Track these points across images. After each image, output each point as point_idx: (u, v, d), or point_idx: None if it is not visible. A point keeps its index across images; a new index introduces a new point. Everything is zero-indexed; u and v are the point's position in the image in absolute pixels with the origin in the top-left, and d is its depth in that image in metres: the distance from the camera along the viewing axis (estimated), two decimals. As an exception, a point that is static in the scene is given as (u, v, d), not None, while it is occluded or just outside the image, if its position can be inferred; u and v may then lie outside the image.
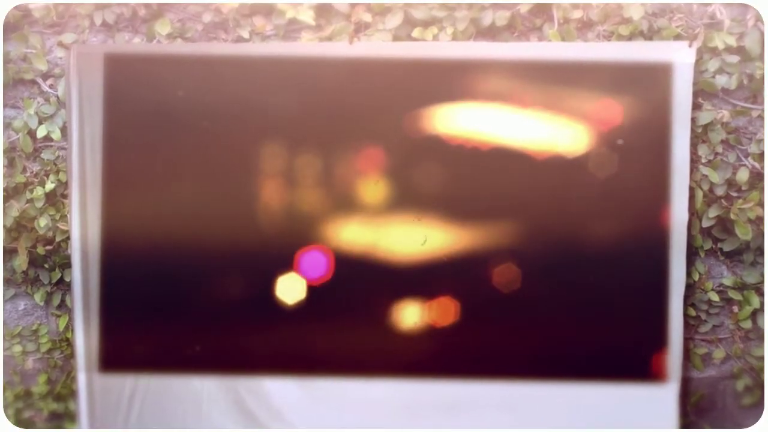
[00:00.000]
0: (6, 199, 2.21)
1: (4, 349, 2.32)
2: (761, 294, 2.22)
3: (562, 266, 2.13)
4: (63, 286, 2.29)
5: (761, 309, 2.22)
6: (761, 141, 2.14)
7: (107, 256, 2.16)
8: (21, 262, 2.23)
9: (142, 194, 2.15)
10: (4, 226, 2.21)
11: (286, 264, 2.14)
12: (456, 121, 2.10)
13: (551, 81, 2.09)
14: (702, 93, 2.13)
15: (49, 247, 2.25)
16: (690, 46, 2.07)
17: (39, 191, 2.21)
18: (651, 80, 2.07)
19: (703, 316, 2.25)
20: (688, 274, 2.15)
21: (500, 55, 2.10)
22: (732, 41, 2.09)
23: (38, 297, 2.29)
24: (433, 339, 2.15)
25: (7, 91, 2.21)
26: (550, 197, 2.12)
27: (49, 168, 2.22)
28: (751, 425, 2.17)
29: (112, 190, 2.15)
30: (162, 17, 2.16)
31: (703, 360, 2.28)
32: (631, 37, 2.11)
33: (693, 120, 2.10)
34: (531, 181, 2.11)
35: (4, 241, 2.22)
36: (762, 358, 2.24)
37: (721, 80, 2.12)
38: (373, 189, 2.12)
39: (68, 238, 2.20)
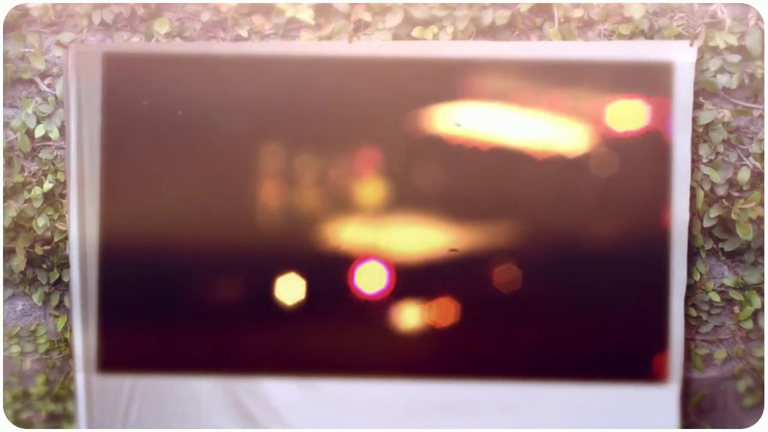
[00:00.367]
0: (4, 199, 2.20)
1: (2, 350, 2.32)
2: (762, 294, 2.21)
3: (563, 266, 2.13)
4: (61, 286, 2.29)
5: (762, 309, 2.22)
6: (762, 141, 2.14)
7: (106, 257, 2.15)
8: (19, 262, 2.22)
9: (141, 194, 2.14)
10: (2, 226, 2.20)
11: (285, 264, 2.13)
12: (456, 120, 2.09)
13: (552, 80, 2.08)
14: (703, 92, 2.12)
15: (47, 247, 2.24)
16: (691, 45, 2.07)
17: (37, 191, 2.20)
18: (652, 80, 2.07)
19: (704, 317, 2.24)
20: (689, 274, 2.14)
21: (500, 54, 2.09)
22: (733, 40, 2.08)
23: (36, 297, 2.28)
24: (434, 340, 2.15)
25: (5, 91, 2.20)
26: (551, 197, 2.11)
27: (47, 168, 2.22)
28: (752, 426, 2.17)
29: (110, 189, 2.14)
30: (160, 16, 2.15)
31: (704, 360, 2.27)
32: (632, 37, 2.10)
33: (694, 119, 2.10)
34: (531, 181, 2.11)
35: (2, 241, 2.22)
36: (764, 359, 2.23)
37: (722, 80, 2.12)
38: (372, 189, 2.11)
39: (66, 238, 2.19)
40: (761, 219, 2.14)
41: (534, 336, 2.15)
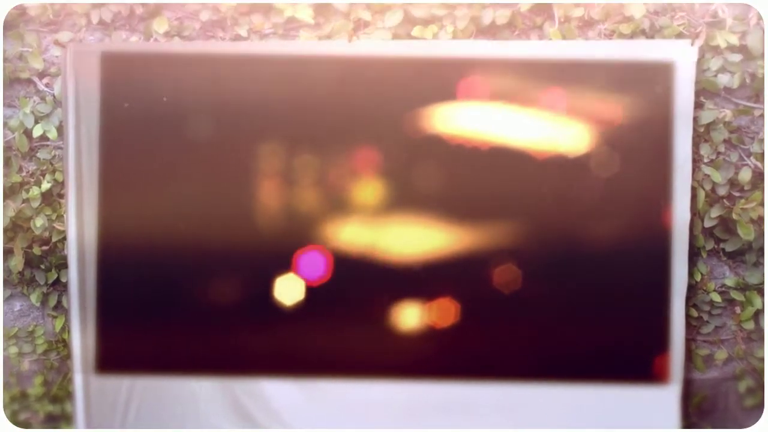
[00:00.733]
0: (2, 199, 2.19)
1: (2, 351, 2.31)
2: (764, 295, 2.21)
3: (563, 267, 2.12)
4: (59, 286, 2.28)
5: (764, 310, 2.21)
6: (764, 140, 2.13)
7: (104, 257, 2.15)
8: (17, 262, 2.22)
9: (140, 194, 2.14)
10: (1, 227, 2.19)
11: (284, 265, 2.13)
12: (456, 120, 2.09)
13: (552, 80, 2.08)
14: (704, 92, 2.12)
15: (45, 248, 2.23)
16: (692, 44, 2.06)
17: (35, 191, 2.19)
18: (652, 79, 2.06)
19: (705, 317, 2.24)
20: (690, 274, 2.14)
21: (501, 53, 2.09)
22: (734, 40, 2.07)
23: (34, 298, 2.27)
24: (433, 340, 2.14)
25: (3, 90, 2.19)
26: (551, 197, 2.11)
27: (45, 167, 2.21)
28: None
29: (108, 189, 2.14)
30: (159, 15, 2.15)
31: (705, 361, 2.27)
32: (632, 36, 2.10)
33: (695, 119, 2.09)
34: (532, 181, 2.10)
35: (1, 241, 2.21)
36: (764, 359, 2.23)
37: (724, 79, 2.11)
38: (371, 189, 2.11)
39: (65, 238, 2.18)
40: (762, 219, 2.13)
41: (534, 336, 2.15)
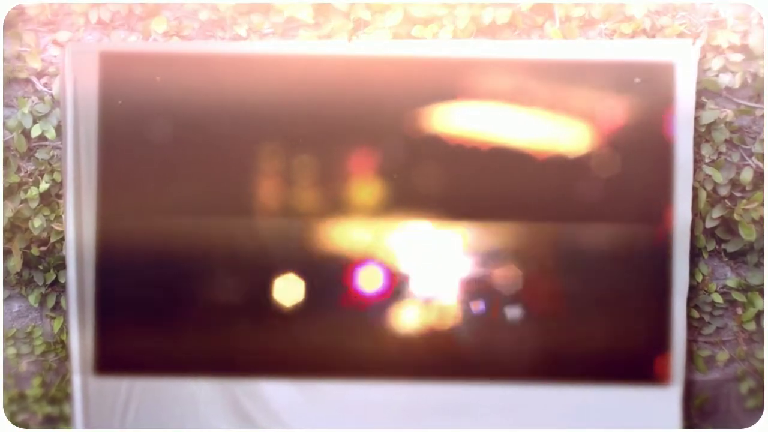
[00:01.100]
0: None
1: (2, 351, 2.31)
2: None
3: (564, 267, 2.12)
4: (58, 287, 2.27)
5: (764, 311, 2.21)
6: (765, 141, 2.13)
7: (103, 257, 2.14)
8: (15, 263, 2.21)
9: (138, 194, 2.13)
10: (1, 227, 2.19)
11: (284, 265, 2.12)
12: (456, 120, 2.08)
13: (552, 79, 2.07)
14: (705, 92, 2.11)
15: (43, 248, 2.23)
16: (693, 44, 2.06)
17: (33, 191, 2.19)
18: (653, 79, 2.06)
19: (707, 318, 2.23)
20: (692, 275, 2.13)
21: (501, 53, 2.09)
22: (736, 39, 2.07)
23: (32, 299, 2.27)
24: (434, 341, 2.13)
25: (1, 90, 2.19)
26: (552, 197, 2.10)
27: (43, 168, 2.20)
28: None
29: (107, 190, 2.13)
30: (158, 15, 2.14)
31: (706, 362, 2.26)
32: (633, 36, 2.09)
33: (696, 119, 2.09)
34: (532, 181, 2.10)
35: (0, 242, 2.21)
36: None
37: (725, 79, 2.11)
38: (371, 189, 2.11)
39: (63, 239, 2.18)
40: (764, 219, 2.13)
41: (535, 337, 2.14)
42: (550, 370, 2.15)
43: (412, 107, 2.09)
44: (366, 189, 2.11)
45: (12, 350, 2.31)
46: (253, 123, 2.11)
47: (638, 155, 2.08)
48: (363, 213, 2.11)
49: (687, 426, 2.20)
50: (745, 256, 2.19)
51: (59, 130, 2.17)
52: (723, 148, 2.14)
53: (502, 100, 2.08)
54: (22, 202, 2.20)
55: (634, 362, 2.14)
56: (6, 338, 2.30)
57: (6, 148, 2.21)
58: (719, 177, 2.12)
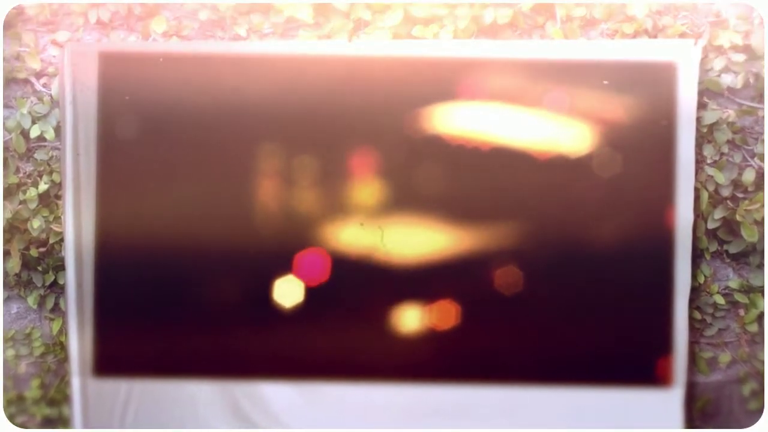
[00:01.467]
0: (-1, 199, 2.19)
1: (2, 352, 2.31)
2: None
3: (565, 268, 2.11)
4: (57, 288, 2.27)
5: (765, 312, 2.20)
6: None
7: (102, 259, 2.14)
8: (14, 264, 2.21)
9: (138, 195, 2.13)
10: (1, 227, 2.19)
11: (284, 266, 2.12)
12: (456, 120, 2.08)
13: (553, 80, 2.07)
14: (707, 92, 2.11)
15: (42, 249, 2.22)
16: (695, 44, 2.05)
17: (32, 192, 2.18)
18: (655, 79, 2.05)
19: (709, 320, 2.22)
20: (694, 276, 2.13)
21: (502, 53, 2.08)
22: (738, 39, 2.07)
23: (31, 300, 2.26)
24: (434, 343, 2.13)
25: (1, 91, 2.18)
26: (553, 198, 2.10)
27: (42, 168, 2.20)
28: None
29: (106, 190, 2.13)
30: (158, 15, 2.14)
31: (708, 364, 2.26)
32: (635, 36, 2.09)
33: (698, 119, 2.08)
34: (533, 182, 2.09)
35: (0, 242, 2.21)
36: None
37: (727, 79, 2.10)
38: (371, 189, 2.10)
39: (62, 239, 2.17)
40: (766, 220, 2.12)
41: (536, 339, 2.13)
42: (551, 371, 2.15)
43: (412, 107, 2.08)
44: (366, 189, 2.10)
45: (11, 352, 2.30)
46: (253, 123, 2.10)
47: (640, 156, 2.07)
48: (363, 213, 2.10)
49: (689, 428, 2.19)
50: (747, 258, 2.18)
51: (58, 130, 2.16)
52: (725, 149, 2.13)
53: (503, 100, 2.08)
54: (20, 203, 2.19)
55: (635, 364, 2.13)
56: (5, 340, 2.30)
57: (5, 148, 2.20)
58: (721, 178, 2.12)
